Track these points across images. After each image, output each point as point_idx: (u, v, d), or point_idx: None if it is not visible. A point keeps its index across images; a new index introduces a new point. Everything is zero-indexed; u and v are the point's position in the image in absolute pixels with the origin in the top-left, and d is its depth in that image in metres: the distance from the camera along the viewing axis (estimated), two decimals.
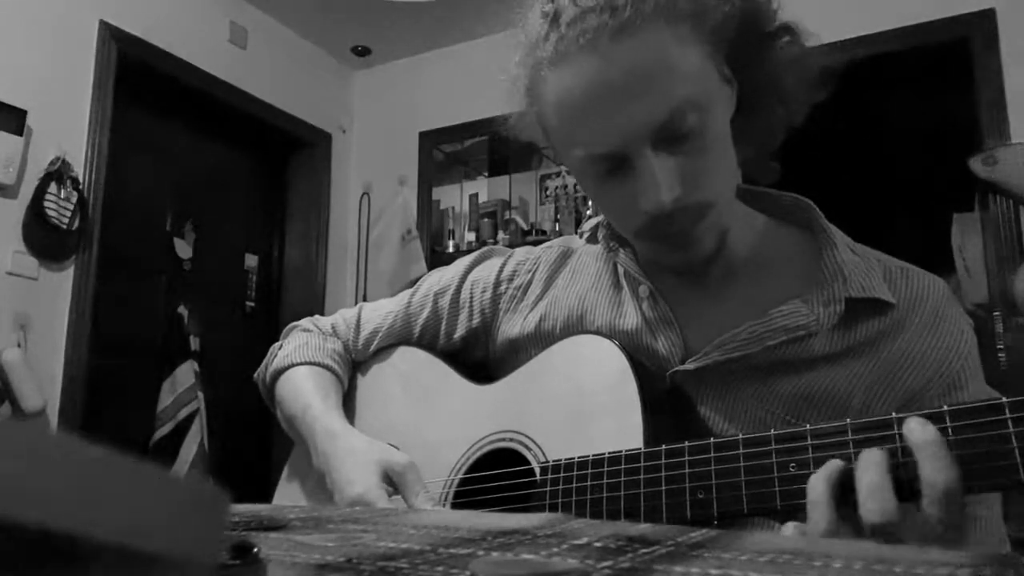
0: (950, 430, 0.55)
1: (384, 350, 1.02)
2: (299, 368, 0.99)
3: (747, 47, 0.72)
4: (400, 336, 1.00)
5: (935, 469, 0.53)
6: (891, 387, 0.73)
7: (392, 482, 0.82)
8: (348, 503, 0.80)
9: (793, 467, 0.61)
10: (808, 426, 0.61)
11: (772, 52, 0.74)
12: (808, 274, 0.77)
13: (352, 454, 0.85)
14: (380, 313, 1.02)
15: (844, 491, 0.57)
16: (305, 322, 1.08)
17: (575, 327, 0.86)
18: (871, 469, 0.55)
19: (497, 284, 0.94)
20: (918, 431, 0.55)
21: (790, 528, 0.60)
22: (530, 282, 0.92)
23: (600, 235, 0.88)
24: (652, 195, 0.69)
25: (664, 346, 0.79)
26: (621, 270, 0.85)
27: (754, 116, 0.76)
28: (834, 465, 0.58)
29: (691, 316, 0.80)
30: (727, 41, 0.71)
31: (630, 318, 0.82)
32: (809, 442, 0.61)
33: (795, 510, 0.63)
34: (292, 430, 0.97)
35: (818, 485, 0.57)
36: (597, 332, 0.83)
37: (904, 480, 0.55)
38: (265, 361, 1.05)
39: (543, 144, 0.81)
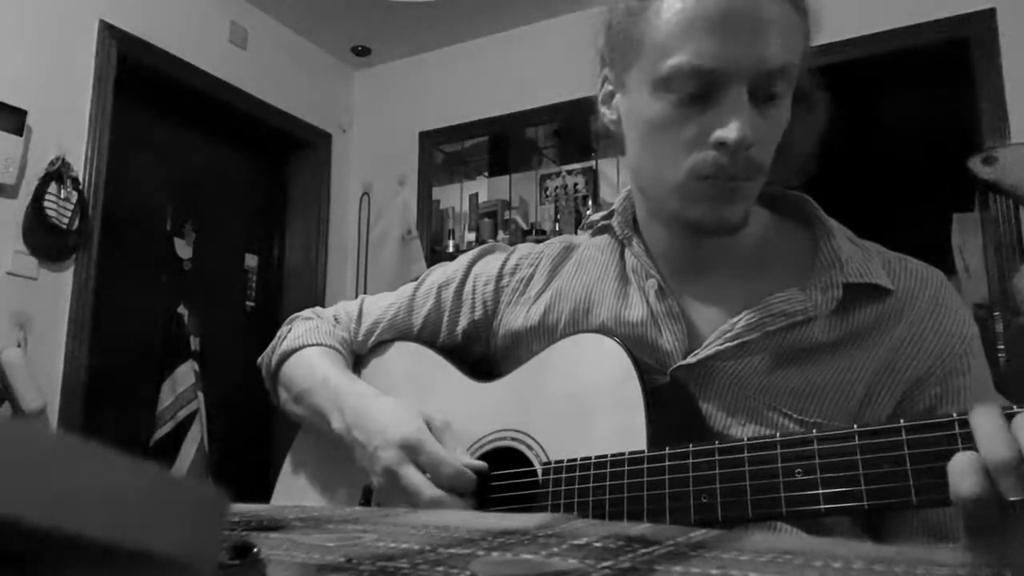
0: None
1: (384, 345, 1.02)
2: (311, 348, 0.99)
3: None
4: (401, 328, 1.00)
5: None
6: (894, 374, 0.74)
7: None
8: (393, 443, 0.80)
9: (799, 472, 0.59)
10: (815, 432, 0.60)
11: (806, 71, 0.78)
12: (807, 266, 0.78)
13: (392, 404, 0.86)
14: (382, 305, 1.03)
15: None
16: (307, 312, 1.08)
17: (581, 319, 0.86)
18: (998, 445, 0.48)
19: (500, 277, 0.95)
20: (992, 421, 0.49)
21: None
22: (532, 275, 0.93)
23: (615, 222, 0.88)
24: (736, 127, 0.69)
25: (668, 340, 0.80)
26: (629, 263, 0.86)
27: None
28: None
29: (696, 311, 0.81)
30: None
31: (636, 310, 0.83)
32: (815, 447, 0.59)
33: (801, 516, 0.62)
34: (303, 405, 0.96)
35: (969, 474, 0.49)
36: (601, 327, 0.84)
37: None
38: (272, 344, 1.05)
39: (616, 56, 0.79)
